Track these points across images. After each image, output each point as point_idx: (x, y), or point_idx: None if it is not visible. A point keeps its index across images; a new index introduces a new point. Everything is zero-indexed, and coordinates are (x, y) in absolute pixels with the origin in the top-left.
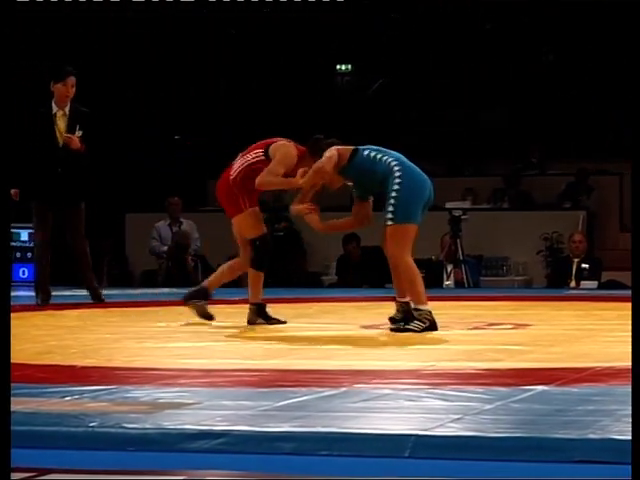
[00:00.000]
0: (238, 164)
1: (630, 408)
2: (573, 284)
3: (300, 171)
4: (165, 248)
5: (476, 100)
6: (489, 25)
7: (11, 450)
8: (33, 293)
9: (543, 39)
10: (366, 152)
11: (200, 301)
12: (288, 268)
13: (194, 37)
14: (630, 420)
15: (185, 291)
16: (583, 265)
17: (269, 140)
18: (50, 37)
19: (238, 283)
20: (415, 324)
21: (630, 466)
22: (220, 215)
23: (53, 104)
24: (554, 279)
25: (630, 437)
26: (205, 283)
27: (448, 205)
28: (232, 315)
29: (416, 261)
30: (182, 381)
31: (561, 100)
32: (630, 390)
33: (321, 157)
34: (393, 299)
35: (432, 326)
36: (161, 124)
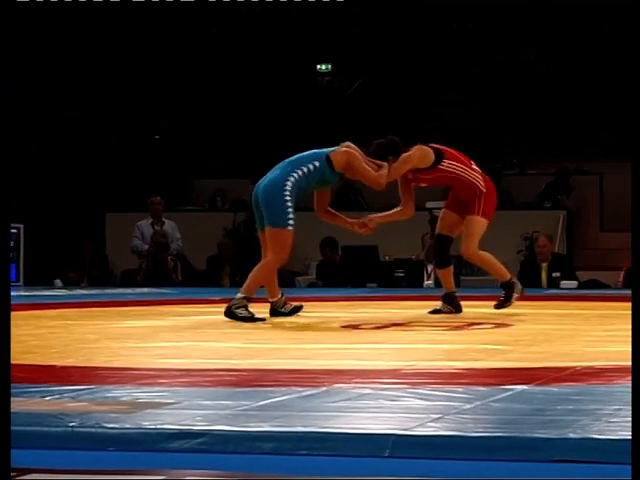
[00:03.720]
0: None
1: (610, 407)
2: None
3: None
4: (146, 247)
5: (456, 99)
6: (470, 24)
7: (11, 450)
8: (15, 293)
9: (525, 39)
10: None
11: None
12: None
13: (175, 36)
14: (612, 420)
15: (165, 291)
16: (554, 274)
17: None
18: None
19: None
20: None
21: (611, 465)
22: (202, 215)
23: None
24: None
25: (608, 437)
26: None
27: (429, 205)
28: (211, 315)
29: (396, 261)
30: (162, 381)
31: (542, 99)
32: (610, 389)
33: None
34: (375, 299)
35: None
36: (142, 124)
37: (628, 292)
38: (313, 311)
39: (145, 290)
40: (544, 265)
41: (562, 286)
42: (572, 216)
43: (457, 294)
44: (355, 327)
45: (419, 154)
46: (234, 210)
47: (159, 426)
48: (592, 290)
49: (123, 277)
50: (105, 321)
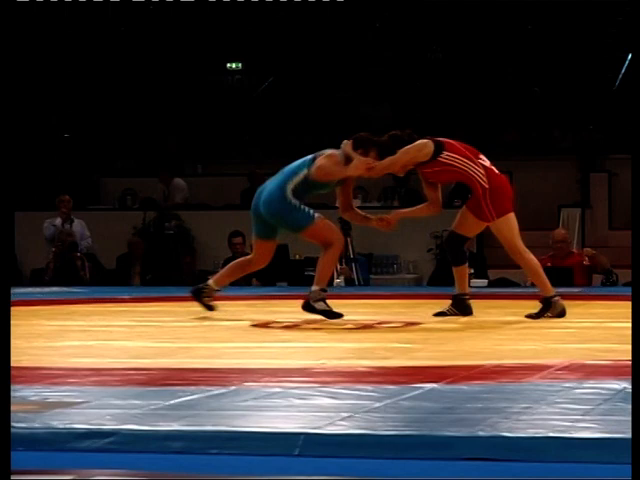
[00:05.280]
0: None
1: (519, 405)
2: None
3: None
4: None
5: (364, 97)
6: (378, 23)
7: (11, 452)
8: None
9: (432, 38)
10: None
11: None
12: (178, 266)
13: (85, 35)
14: (521, 418)
15: (74, 290)
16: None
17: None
18: None
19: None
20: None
21: (520, 463)
22: (111, 214)
23: None
24: (439, 277)
25: (517, 435)
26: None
27: (338, 203)
28: (121, 314)
29: (307, 259)
30: (71, 380)
31: (450, 97)
32: (519, 387)
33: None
34: (285, 297)
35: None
36: (52, 122)
37: (537, 290)
38: (222, 310)
39: (54, 289)
40: None
41: (472, 284)
42: None
43: (366, 293)
44: (265, 326)
45: (417, 146)
46: (144, 209)
47: (68, 426)
48: (502, 288)
49: (32, 276)
50: (13, 320)
